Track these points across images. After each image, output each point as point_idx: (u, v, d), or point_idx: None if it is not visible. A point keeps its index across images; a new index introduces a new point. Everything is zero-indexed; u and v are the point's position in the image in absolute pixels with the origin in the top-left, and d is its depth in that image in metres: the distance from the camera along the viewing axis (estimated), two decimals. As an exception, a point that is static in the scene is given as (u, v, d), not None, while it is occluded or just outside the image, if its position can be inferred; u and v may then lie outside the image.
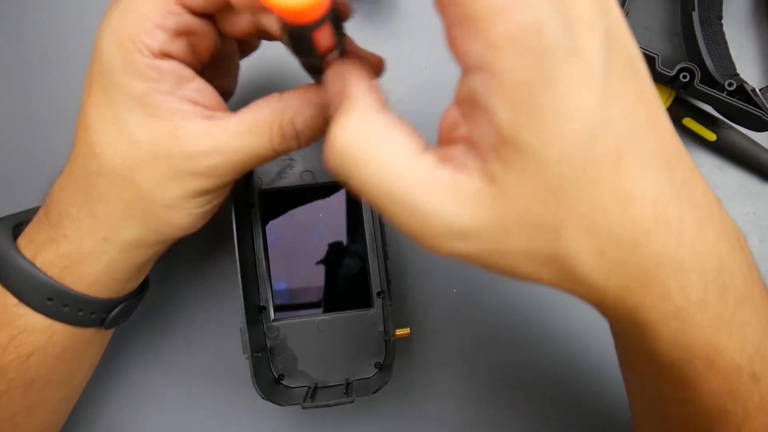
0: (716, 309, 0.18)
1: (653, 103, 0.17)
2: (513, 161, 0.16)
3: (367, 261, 0.32)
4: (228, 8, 0.24)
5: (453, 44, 0.16)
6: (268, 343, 0.32)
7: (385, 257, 0.30)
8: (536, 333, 0.35)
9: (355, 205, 0.33)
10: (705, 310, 0.18)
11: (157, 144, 0.23)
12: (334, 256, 0.33)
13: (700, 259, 0.18)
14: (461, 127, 0.17)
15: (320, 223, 0.34)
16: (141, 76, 0.23)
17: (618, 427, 0.34)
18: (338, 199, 0.33)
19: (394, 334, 0.29)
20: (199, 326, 0.35)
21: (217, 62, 0.27)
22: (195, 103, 0.24)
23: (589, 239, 0.16)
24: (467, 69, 0.16)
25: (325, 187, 0.33)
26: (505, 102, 0.15)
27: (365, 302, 0.32)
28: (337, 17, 0.19)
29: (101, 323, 0.28)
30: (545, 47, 0.14)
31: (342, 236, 0.33)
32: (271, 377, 0.31)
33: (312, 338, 0.32)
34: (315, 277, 0.33)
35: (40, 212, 0.27)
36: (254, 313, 0.31)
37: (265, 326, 0.32)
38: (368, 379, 0.32)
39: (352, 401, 0.28)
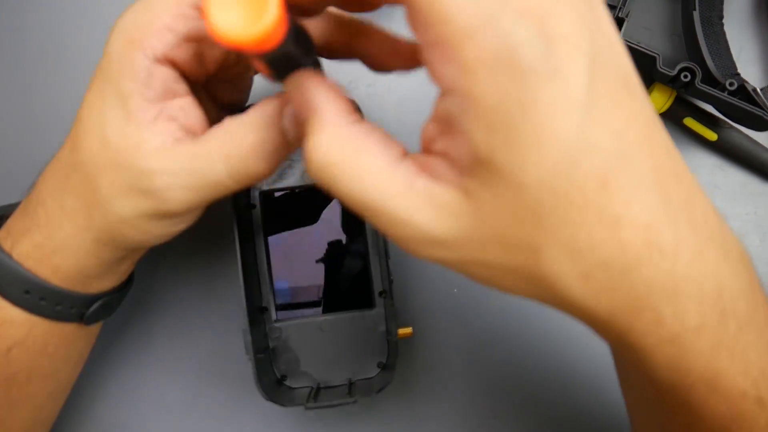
0: (716, 334, 0.17)
1: (648, 122, 0.17)
2: (489, 181, 0.15)
3: (368, 261, 0.32)
4: None
5: (428, 66, 0.16)
6: (271, 344, 0.32)
7: (387, 257, 0.30)
8: (538, 332, 0.35)
9: None
10: (703, 336, 0.17)
11: (121, 151, 0.22)
12: (335, 256, 0.33)
13: (698, 284, 0.17)
14: (439, 142, 0.17)
15: (321, 223, 0.34)
16: (132, 75, 0.22)
17: (619, 427, 0.34)
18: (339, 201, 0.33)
19: (396, 334, 0.29)
20: (201, 327, 0.35)
21: (228, 76, 0.26)
22: (173, 120, 0.23)
23: (573, 263, 0.16)
24: (444, 92, 0.16)
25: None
26: (479, 125, 0.15)
27: (367, 302, 0.32)
28: (295, 27, 0.18)
29: (80, 318, 0.27)
30: (520, 71, 0.14)
31: (343, 236, 0.33)
32: (273, 378, 0.31)
33: (314, 339, 0.32)
34: (316, 278, 0.33)
35: (23, 201, 0.26)
36: (256, 314, 0.31)
37: (267, 327, 0.32)
38: (371, 379, 0.32)
39: (355, 401, 0.28)
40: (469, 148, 0.15)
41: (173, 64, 0.23)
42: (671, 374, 0.18)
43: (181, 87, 0.24)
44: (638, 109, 0.17)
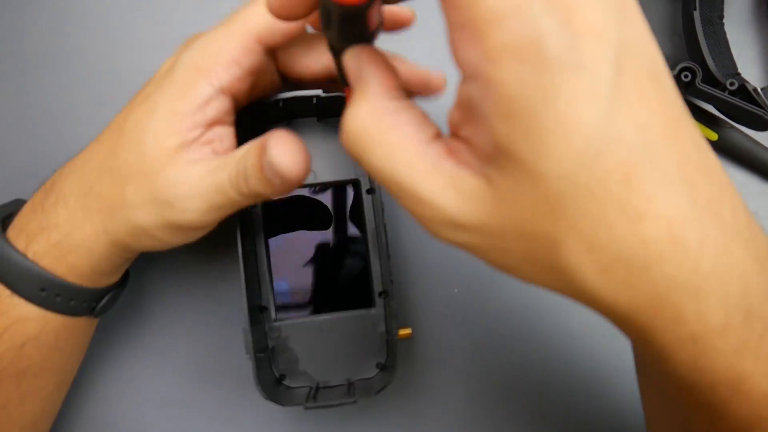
0: (740, 334, 0.17)
1: (676, 116, 0.16)
2: (509, 171, 0.15)
3: (368, 260, 0.32)
4: (307, 50, 0.26)
5: (453, 48, 0.16)
6: (270, 344, 0.32)
7: (387, 257, 0.30)
8: (538, 333, 0.35)
9: (356, 204, 0.33)
10: (727, 336, 0.17)
11: (153, 161, 0.24)
12: (335, 256, 0.33)
13: (723, 283, 0.16)
14: (463, 128, 0.17)
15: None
16: (191, 98, 0.24)
17: (620, 427, 0.34)
18: (340, 199, 0.33)
19: (396, 335, 0.29)
20: (199, 325, 0.34)
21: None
22: (209, 143, 0.25)
23: (592, 256, 0.16)
24: (465, 75, 0.16)
25: (327, 186, 0.33)
26: (499, 114, 0.15)
27: (367, 302, 0.32)
28: None
29: (91, 312, 0.28)
30: (544, 61, 0.14)
31: (343, 236, 0.33)
32: (272, 378, 0.31)
33: (313, 338, 0.32)
34: (316, 277, 0.33)
35: (36, 197, 0.27)
36: (256, 313, 0.31)
37: (266, 326, 0.32)
38: (370, 379, 0.31)
39: (354, 402, 0.28)
40: (489, 136, 0.15)
41: (231, 95, 0.25)
42: (692, 373, 0.18)
43: (229, 118, 0.26)
44: (666, 102, 0.16)
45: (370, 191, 0.32)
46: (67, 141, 0.34)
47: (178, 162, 0.24)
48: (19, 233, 0.26)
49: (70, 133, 0.35)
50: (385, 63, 0.19)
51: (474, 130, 0.16)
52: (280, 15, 0.19)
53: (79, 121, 0.35)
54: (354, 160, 0.19)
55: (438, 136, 0.18)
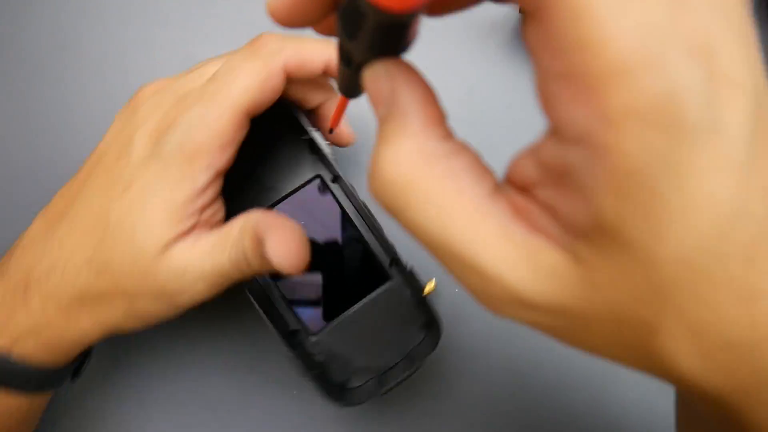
0: None
1: None
2: (609, 252, 0.13)
3: (365, 241, 0.32)
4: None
5: (546, 100, 0.13)
6: (318, 359, 0.31)
7: (379, 230, 0.30)
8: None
9: (331, 197, 0.32)
10: None
11: (153, 260, 0.24)
12: (334, 252, 0.33)
13: None
14: (543, 192, 0.14)
15: (306, 229, 0.33)
16: (191, 187, 0.24)
17: (631, 420, 0.34)
18: (311, 200, 0.33)
19: (422, 292, 0.30)
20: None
21: None
22: (206, 223, 0.25)
23: (694, 342, 0.14)
24: (564, 137, 0.13)
25: (293, 194, 0.32)
26: (611, 189, 0.12)
27: (384, 277, 0.32)
28: None
29: (76, 373, 0.29)
30: (680, 126, 0.11)
31: (332, 231, 0.33)
32: (336, 386, 0.31)
33: (353, 334, 0.31)
34: (327, 279, 0.33)
35: (13, 292, 0.25)
36: (291, 338, 0.30)
37: (306, 345, 0.32)
38: (422, 342, 0.31)
39: (419, 367, 0.29)
40: (588, 210, 0.12)
41: (225, 172, 0.25)
42: None
43: (219, 190, 0.26)
44: None
45: (335, 179, 0.32)
46: (65, 140, 0.34)
47: (175, 252, 0.24)
48: (1, 331, 0.25)
49: (68, 134, 0.35)
50: (424, 85, 0.15)
51: (564, 199, 0.13)
52: (286, 23, 0.16)
53: (75, 122, 0.35)
54: (389, 214, 0.15)
55: (497, 188, 0.15)
